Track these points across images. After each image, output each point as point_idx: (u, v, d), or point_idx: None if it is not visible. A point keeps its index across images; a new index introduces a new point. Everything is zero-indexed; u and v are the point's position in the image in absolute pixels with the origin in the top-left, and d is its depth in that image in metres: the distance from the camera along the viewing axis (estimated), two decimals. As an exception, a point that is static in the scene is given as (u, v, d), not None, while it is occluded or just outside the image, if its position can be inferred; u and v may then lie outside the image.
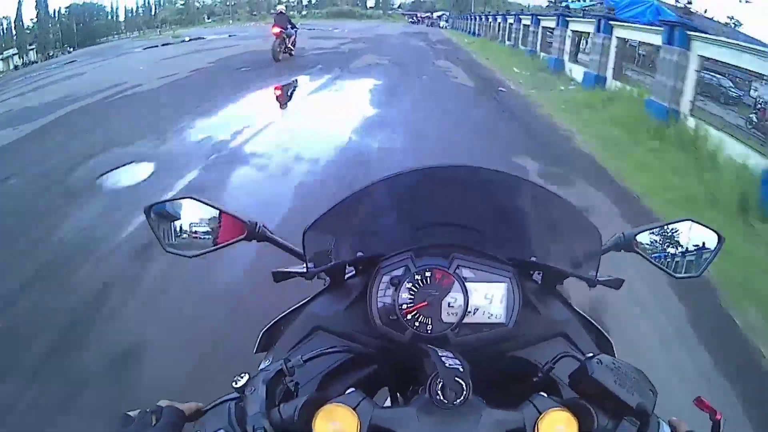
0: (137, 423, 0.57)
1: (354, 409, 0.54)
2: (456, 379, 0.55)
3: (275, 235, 0.88)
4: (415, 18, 46.25)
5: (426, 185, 0.80)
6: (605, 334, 0.83)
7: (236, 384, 0.59)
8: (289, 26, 13.02)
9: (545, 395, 0.58)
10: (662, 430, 0.57)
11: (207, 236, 0.86)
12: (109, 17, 39.12)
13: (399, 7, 54.63)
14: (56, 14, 32.17)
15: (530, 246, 0.81)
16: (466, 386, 0.55)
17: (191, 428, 0.59)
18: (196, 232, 0.87)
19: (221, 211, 0.86)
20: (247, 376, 0.60)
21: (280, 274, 0.85)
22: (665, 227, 0.88)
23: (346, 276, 0.85)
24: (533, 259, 0.80)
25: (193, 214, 0.87)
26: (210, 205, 0.86)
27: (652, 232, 0.88)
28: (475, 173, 0.77)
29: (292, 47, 13.26)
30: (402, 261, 0.75)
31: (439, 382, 0.55)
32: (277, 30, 12.53)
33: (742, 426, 1.96)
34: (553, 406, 0.55)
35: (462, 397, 0.54)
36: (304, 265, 0.78)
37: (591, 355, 0.60)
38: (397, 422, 0.55)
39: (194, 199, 0.85)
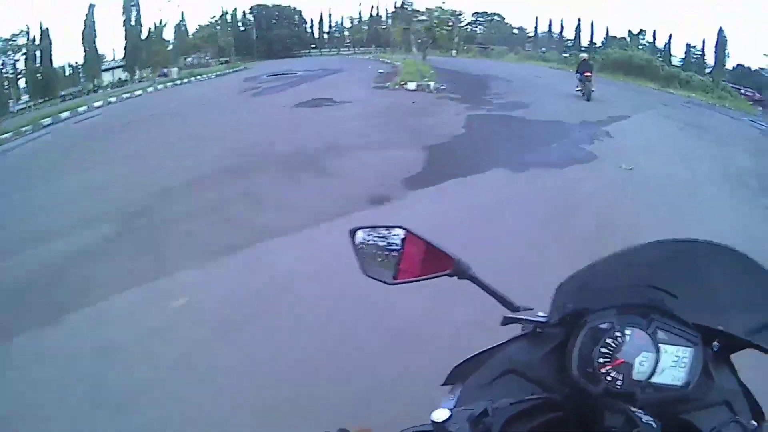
0: None
1: None
2: None
3: (480, 277, 0.93)
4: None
5: (643, 253, 0.82)
6: (759, 405, 0.82)
7: (437, 419, 0.63)
8: None
9: None
10: None
11: (409, 265, 0.91)
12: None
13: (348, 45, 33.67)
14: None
15: (719, 314, 0.81)
16: None
17: None
18: (398, 260, 0.92)
19: (429, 244, 0.91)
20: (448, 412, 0.64)
21: (510, 319, 0.89)
22: None
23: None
24: (720, 327, 0.80)
25: (398, 242, 0.92)
26: (418, 237, 0.92)
27: None
28: (683, 245, 0.81)
29: None
30: (608, 317, 0.77)
31: None
32: None
33: None
34: None
35: None
36: (539, 314, 0.86)
37: (756, 424, 0.64)
38: None
39: (403, 228, 0.92)
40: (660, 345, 0.75)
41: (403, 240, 0.93)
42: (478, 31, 49.69)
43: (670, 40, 37.42)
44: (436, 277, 0.90)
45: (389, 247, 0.92)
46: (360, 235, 0.94)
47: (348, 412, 2.44)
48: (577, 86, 15.88)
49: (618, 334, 0.76)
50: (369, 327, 3.35)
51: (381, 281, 0.92)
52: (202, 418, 2.74)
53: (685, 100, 21.42)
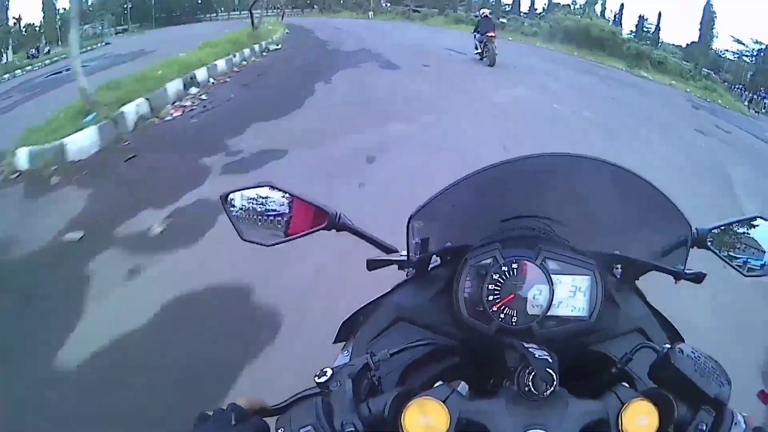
0: (215, 421, 0.55)
1: (444, 402, 0.53)
2: (547, 370, 0.54)
3: (356, 225, 0.86)
4: None
5: (511, 175, 0.75)
6: (677, 329, 0.78)
7: (319, 379, 0.57)
8: None
9: (627, 386, 0.58)
10: (737, 419, 0.54)
11: (286, 225, 0.83)
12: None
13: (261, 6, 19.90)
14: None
15: (615, 238, 0.77)
16: (555, 377, 0.54)
17: (273, 424, 0.57)
18: (274, 221, 0.83)
19: (300, 200, 0.83)
20: (330, 371, 0.58)
21: (375, 262, 0.83)
22: (736, 224, 0.85)
23: (430, 266, 0.79)
24: (616, 252, 0.76)
25: (271, 202, 0.83)
26: (289, 193, 0.82)
27: (723, 229, 0.84)
28: (563, 161, 0.73)
29: None
30: (490, 252, 0.70)
31: (529, 374, 0.54)
32: None
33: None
34: (635, 396, 0.55)
35: (551, 388, 0.54)
36: (402, 253, 0.79)
37: (670, 345, 0.58)
38: (486, 414, 0.54)
39: (272, 187, 0.82)
40: (552, 276, 0.68)
41: (276, 199, 0.82)
42: (406, -8, 42.64)
43: (621, 9, 29.03)
44: (312, 232, 0.82)
45: (265, 208, 0.82)
46: (232, 199, 0.82)
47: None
48: (476, 49, 12.26)
49: (504, 268, 0.68)
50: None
51: (260, 244, 0.82)
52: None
53: (687, 97, 13.79)
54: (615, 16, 37.15)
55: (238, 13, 31.70)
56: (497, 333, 0.67)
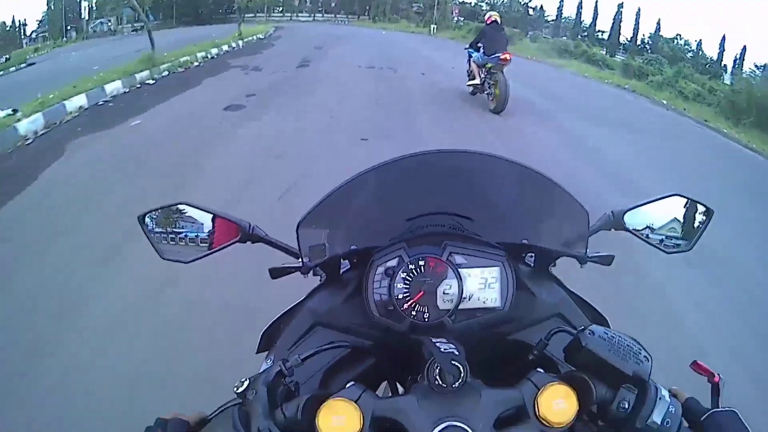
0: None
1: (356, 402, 0.54)
2: (453, 362, 0.54)
3: (269, 236, 0.86)
4: None
5: (415, 173, 0.76)
6: (599, 311, 0.81)
7: (237, 389, 0.58)
8: None
9: (542, 371, 0.58)
10: (661, 394, 0.54)
11: (202, 240, 0.84)
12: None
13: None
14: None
15: (521, 229, 0.79)
16: (462, 369, 0.54)
17: None
18: (191, 237, 0.85)
19: (214, 215, 0.84)
20: (248, 381, 0.58)
21: (276, 270, 0.82)
22: (653, 203, 0.86)
23: (342, 270, 0.81)
24: (524, 241, 0.77)
25: (187, 219, 0.84)
26: (203, 209, 0.84)
27: (641, 209, 0.86)
28: (464, 158, 0.75)
29: None
30: (395, 252, 0.72)
31: (437, 368, 0.55)
32: None
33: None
34: (551, 381, 0.55)
35: (460, 380, 0.54)
36: (300, 260, 0.77)
37: (583, 327, 0.58)
38: (399, 411, 0.55)
39: (187, 204, 0.84)
40: (460, 270, 0.69)
41: (192, 215, 0.83)
42: (483, 7, 38.05)
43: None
44: (227, 246, 0.83)
45: (182, 225, 0.83)
46: (150, 219, 0.83)
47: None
48: (470, 77, 7.61)
49: (411, 266, 0.69)
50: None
51: (179, 261, 0.82)
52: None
53: None
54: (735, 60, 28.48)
55: (281, 14, 30.55)
56: (410, 330, 0.68)
